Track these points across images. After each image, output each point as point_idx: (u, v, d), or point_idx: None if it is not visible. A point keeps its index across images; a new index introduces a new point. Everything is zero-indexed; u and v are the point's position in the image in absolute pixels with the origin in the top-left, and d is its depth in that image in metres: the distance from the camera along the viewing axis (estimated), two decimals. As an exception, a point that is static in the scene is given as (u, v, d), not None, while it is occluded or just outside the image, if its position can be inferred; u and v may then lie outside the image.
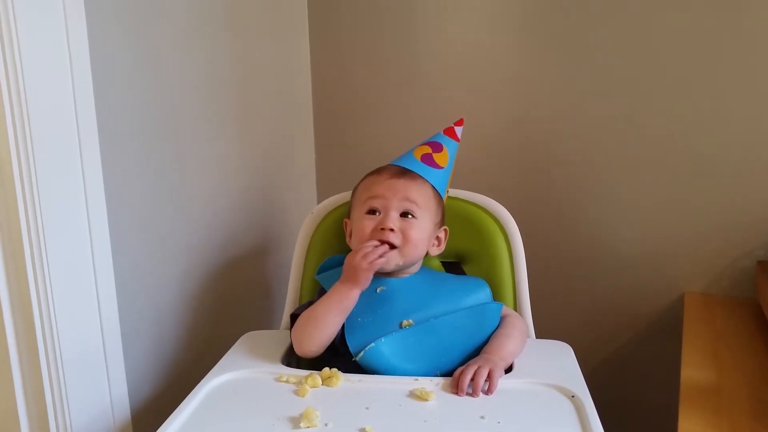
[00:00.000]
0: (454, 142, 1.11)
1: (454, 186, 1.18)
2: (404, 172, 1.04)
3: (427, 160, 1.06)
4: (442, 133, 1.11)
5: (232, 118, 1.33)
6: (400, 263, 1.00)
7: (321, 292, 1.04)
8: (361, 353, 0.93)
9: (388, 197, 1.00)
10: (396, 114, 1.56)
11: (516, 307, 1.12)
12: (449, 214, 1.12)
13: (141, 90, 1.07)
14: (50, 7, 0.87)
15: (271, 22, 1.46)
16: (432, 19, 1.50)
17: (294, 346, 0.98)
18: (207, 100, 1.25)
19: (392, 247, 0.98)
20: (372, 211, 1.01)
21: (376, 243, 0.97)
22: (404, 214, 1.00)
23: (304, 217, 1.19)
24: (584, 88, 1.42)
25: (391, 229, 0.98)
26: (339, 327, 0.96)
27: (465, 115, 1.48)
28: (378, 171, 1.07)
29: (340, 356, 0.96)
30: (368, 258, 0.95)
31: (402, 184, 1.01)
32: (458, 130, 1.13)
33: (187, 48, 1.18)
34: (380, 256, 0.95)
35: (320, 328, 0.95)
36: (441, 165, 1.07)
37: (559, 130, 1.46)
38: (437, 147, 1.08)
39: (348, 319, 0.97)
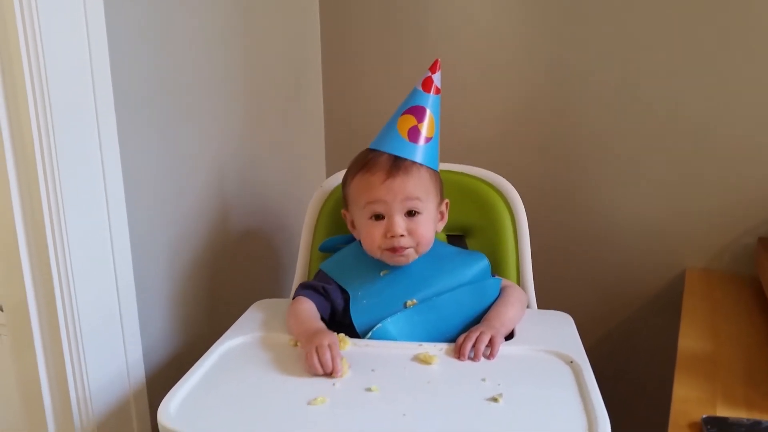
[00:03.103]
0: (435, 96, 1.02)
1: (461, 162, 1.20)
2: (398, 166, 0.98)
3: (415, 136, 1.00)
4: (420, 89, 1.02)
5: (244, 94, 1.35)
6: (416, 257, 1.01)
7: (319, 273, 1.08)
8: (369, 334, 0.96)
9: (389, 201, 0.97)
10: (405, 91, 1.56)
11: (519, 280, 1.14)
12: (454, 189, 1.13)
13: (156, 65, 1.09)
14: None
15: (281, 1, 1.48)
16: (443, 1, 1.52)
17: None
18: (220, 77, 1.27)
19: (406, 248, 0.99)
20: (376, 216, 1.00)
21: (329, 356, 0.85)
22: (409, 212, 0.99)
23: (314, 191, 1.22)
24: (589, 68, 1.43)
25: (401, 235, 0.98)
26: None
27: (473, 93, 1.51)
28: (369, 167, 0.99)
29: (346, 327, 0.99)
30: (314, 370, 0.85)
31: (400, 184, 0.97)
32: (436, 78, 1.03)
33: (202, 27, 1.20)
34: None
35: None
36: (429, 136, 1.01)
37: (565, 108, 1.47)
38: (420, 113, 1.00)
39: (354, 301, 1.01)
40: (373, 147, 1.02)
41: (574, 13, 1.42)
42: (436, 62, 1.04)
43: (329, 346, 0.86)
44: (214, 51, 1.25)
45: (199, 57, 1.21)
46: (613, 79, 1.42)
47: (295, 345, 0.93)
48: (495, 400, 0.78)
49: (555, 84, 1.47)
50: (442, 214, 1.06)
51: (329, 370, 0.84)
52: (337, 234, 1.17)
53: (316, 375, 0.84)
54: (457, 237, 1.18)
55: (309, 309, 1.01)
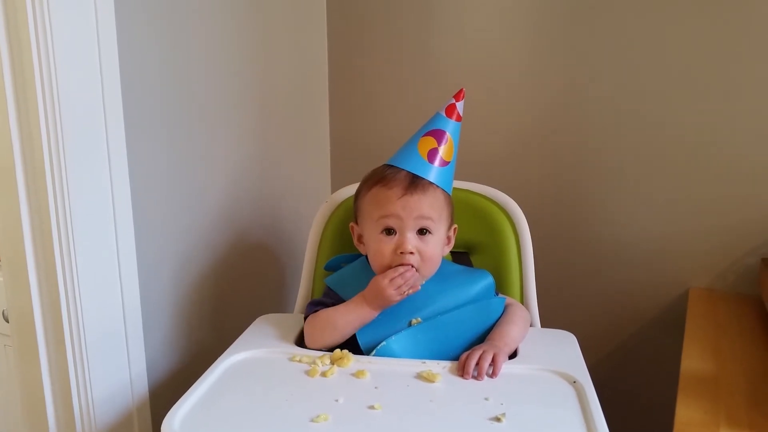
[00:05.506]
0: (456, 123, 1.04)
1: (466, 179, 1.21)
2: (416, 185, 0.99)
3: (434, 157, 1.01)
4: (443, 114, 1.04)
5: (251, 111, 1.37)
6: (422, 282, 1.02)
7: (328, 291, 1.08)
8: (373, 351, 0.96)
9: (404, 217, 0.98)
10: (410, 108, 1.59)
11: (522, 298, 1.15)
12: (458, 206, 1.13)
13: (165, 81, 1.11)
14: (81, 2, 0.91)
15: (290, 17, 1.49)
16: (448, 16, 1.53)
17: (305, 339, 1.01)
18: (228, 94, 1.28)
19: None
20: (387, 230, 1.00)
21: (405, 269, 0.97)
22: (420, 231, 1.00)
23: (319, 206, 1.22)
24: (594, 87, 1.44)
25: (411, 252, 0.98)
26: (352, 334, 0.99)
27: (479, 111, 1.52)
28: (386, 182, 1.00)
29: (350, 344, 0.99)
30: (397, 286, 0.96)
31: (416, 202, 0.98)
32: (459, 106, 1.05)
33: (211, 42, 1.22)
34: (410, 287, 0.98)
35: (336, 337, 0.98)
36: (447, 160, 1.02)
37: (570, 127, 1.47)
38: (441, 137, 1.02)
39: None
40: (391, 163, 1.03)
41: (582, 33, 1.43)
42: (461, 91, 1.06)
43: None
44: (223, 67, 1.26)
45: (207, 73, 1.22)
46: (618, 99, 1.42)
47: (300, 361, 0.94)
48: (498, 419, 0.78)
49: (560, 103, 1.48)
50: (449, 238, 1.07)
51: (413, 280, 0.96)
52: (341, 249, 1.18)
53: (401, 293, 0.96)
54: (461, 254, 1.18)
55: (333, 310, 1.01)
